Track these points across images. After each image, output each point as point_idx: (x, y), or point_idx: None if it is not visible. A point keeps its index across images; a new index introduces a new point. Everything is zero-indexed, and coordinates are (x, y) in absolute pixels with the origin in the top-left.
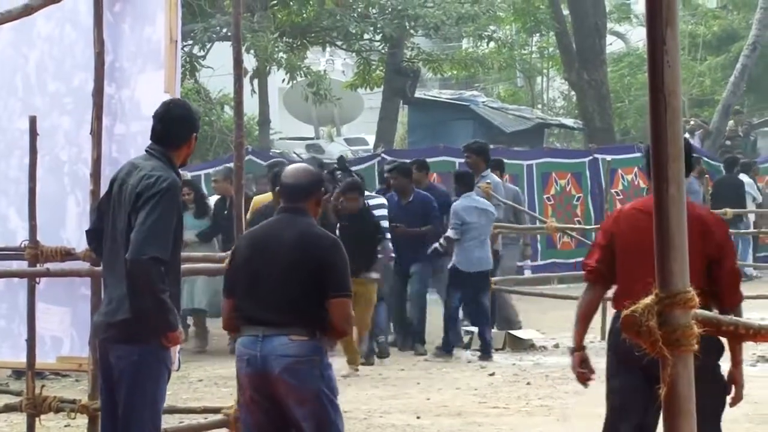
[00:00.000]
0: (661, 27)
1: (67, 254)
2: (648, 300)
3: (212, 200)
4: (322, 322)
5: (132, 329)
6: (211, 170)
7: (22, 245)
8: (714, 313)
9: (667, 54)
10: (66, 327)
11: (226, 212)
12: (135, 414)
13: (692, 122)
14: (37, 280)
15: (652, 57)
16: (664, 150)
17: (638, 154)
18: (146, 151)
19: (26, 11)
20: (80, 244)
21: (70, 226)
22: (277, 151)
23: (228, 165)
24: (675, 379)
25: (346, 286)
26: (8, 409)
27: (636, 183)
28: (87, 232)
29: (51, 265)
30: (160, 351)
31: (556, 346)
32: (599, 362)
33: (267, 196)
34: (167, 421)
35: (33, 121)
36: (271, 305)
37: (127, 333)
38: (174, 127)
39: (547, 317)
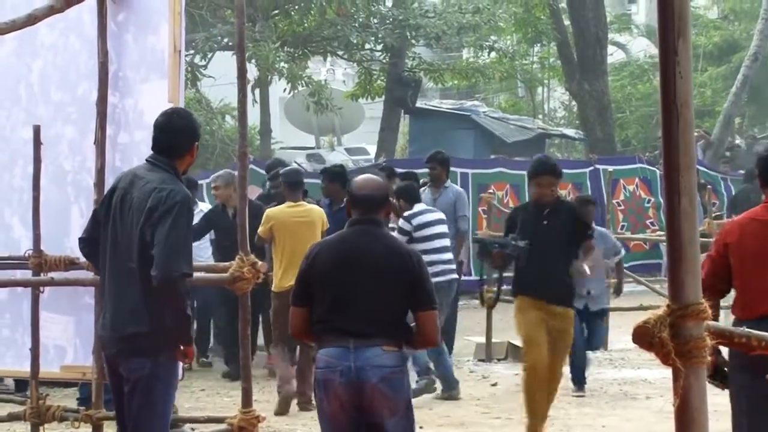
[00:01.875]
0: (674, 38)
1: (70, 263)
2: (660, 311)
3: (203, 207)
4: (406, 334)
5: (144, 342)
6: (210, 178)
7: (26, 254)
8: (725, 325)
9: (679, 65)
10: (70, 336)
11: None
12: (145, 426)
13: (695, 133)
14: (41, 289)
15: (664, 68)
16: (676, 161)
17: (639, 165)
18: (148, 161)
19: (30, 21)
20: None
21: (74, 235)
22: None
23: (228, 170)
24: (687, 391)
25: (434, 299)
26: (12, 418)
27: (637, 194)
28: (80, 239)
29: (55, 275)
30: (171, 364)
31: None
32: (602, 373)
33: (281, 210)
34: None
35: (37, 130)
36: (361, 317)
37: (140, 346)
38: (177, 136)
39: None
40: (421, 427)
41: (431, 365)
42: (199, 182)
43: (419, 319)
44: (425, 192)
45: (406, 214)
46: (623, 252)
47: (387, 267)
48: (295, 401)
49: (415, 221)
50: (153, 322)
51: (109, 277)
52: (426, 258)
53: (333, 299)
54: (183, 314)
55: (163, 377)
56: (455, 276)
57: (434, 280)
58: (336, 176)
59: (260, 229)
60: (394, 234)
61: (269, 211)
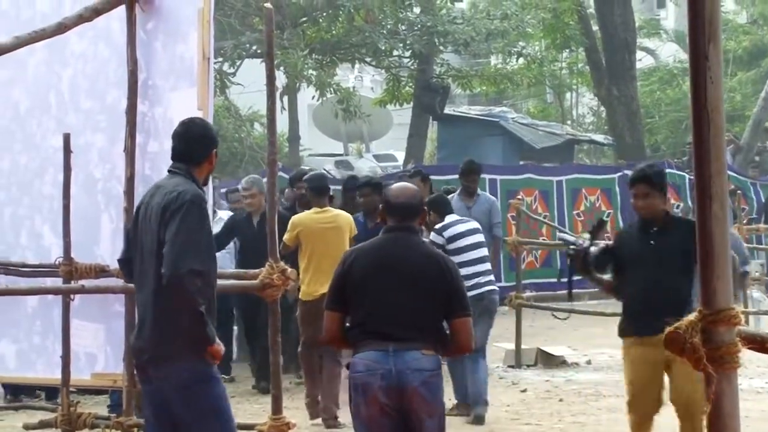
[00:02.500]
0: (704, 43)
1: (101, 271)
2: (692, 317)
3: (223, 215)
4: (442, 338)
5: (171, 348)
6: (242, 184)
7: (57, 262)
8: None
9: (710, 70)
10: (100, 343)
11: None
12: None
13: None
14: (72, 296)
15: (694, 73)
16: (707, 166)
17: (668, 170)
18: (168, 171)
19: (60, 29)
20: (114, 261)
21: (104, 243)
22: (307, 167)
23: (258, 177)
24: (719, 397)
25: (468, 305)
26: (43, 425)
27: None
28: (119, 261)
29: (85, 282)
30: (204, 365)
31: (588, 362)
32: None
33: (308, 216)
34: None
35: (67, 138)
36: (400, 321)
37: (168, 352)
38: (194, 144)
39: (579, 333)
40: None
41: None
42: (221, 190)
43: (453, 326)
44: (456, 201)
45: (437, 226)
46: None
47: (423, 274)
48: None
49: (447, 233)
50: (175, 326)
51: (139, 287)
52: (461, 271)
53: (371, 304)
54: (194, 312)
55: (201, 378)
56: (492, 287)
57: (469, 294)
58: (378, 187)
59: (286, 236)
60: None
61: (295, 218)
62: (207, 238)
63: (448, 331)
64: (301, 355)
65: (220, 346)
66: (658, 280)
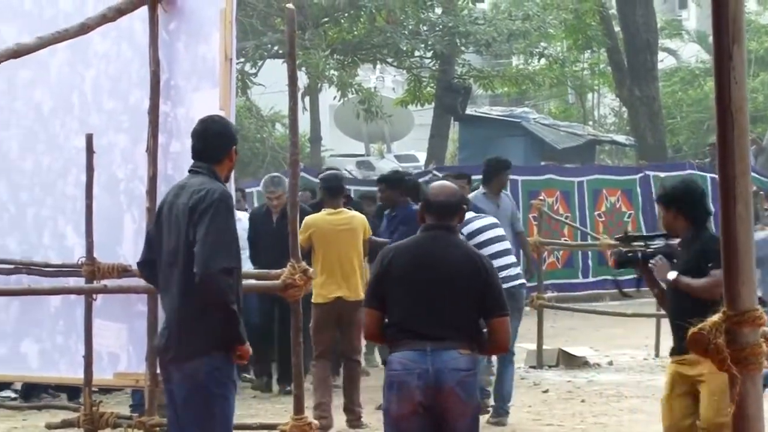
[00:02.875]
0: (728, 43)
1: (123, 271)
2: (716, 318)
3: (242, 216)
4: (478, 338)
5: (193, 345)
6: (269, 186)
7: (80, 262)
8: None
9: (734, 70)
10: (123, 343)
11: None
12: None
13: None
14: (94, 296)
15: (718, 74)
16: (731, 167)
17: (690, 171)
18: (190, 170)
19: (83, 30)
20: (136, 261)
21: (126, 243)
22: (326, 168)
23: (279, 176)
24: (744, 398)
25: (506, 305)
26: (66, 424)
27: None
28: (138, 264)
29: (108, 282)
30: (225, 366)
31: (610, 363)
32: (654, 380)
33: (321, 217)
34: None
35: (90, 139)
36: (438, 320)
37: (189, 349)
38: (214, 142)
39: (600, 334)
40: None
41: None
42: (252, 190)
43: (492, 325)
44: (482, 200)
45: None
46: None
47: (461, 273)
48: (344, 419)
49: (466, 230)
50: (200, 324)
51: (163, 287)
52: None
53: (409, 303)
54: (228, 310)
55: (220, 381)
56: (521, 281)
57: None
58: (395, 183)
59: (299, 238)
60: None
61: (309, 219)
62: (234, 235)
63: (484, 330)
64: (313, 367)
65: (249, 347)
66: (680, 294)
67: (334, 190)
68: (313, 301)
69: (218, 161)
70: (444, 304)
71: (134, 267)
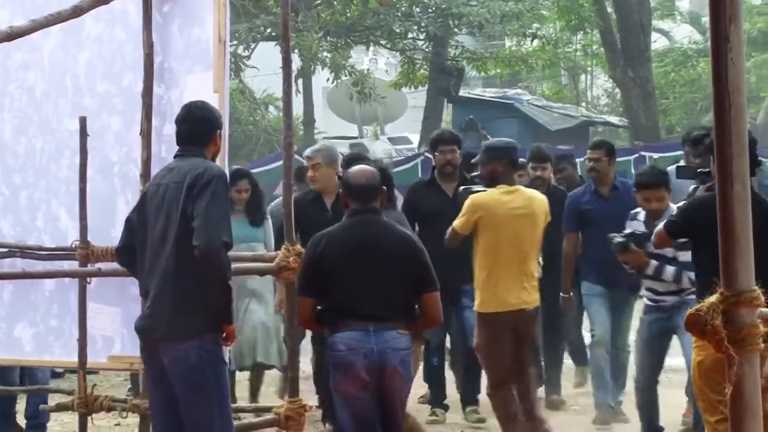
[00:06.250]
0: (725, 23)
1: None
2: (713, 298)
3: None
4: (412, 316)
5: (187, 324)
6: (307, 152)
7: (73, 245)
8: None
9: (731, 51)
10: (117, 327)
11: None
12: (203, 416)
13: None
14: (88, 280)
15: (716, 54)
16: (728, 147)
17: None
18: (176, 154)
19: (75, 12)
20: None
21: (120, 226)
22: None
23: (327, 145)
24: (740, 379)
25: (436, 281)
26: (60, 408)
27: None
28: (117, 249)
29: (102, 265)
30: (214, 347)
31: None
32: None
33: (492, 197)
34: None
35: (83, 121)
36: (378, 301)
37: (182, 329)
38: (199, 127)
39: None
40: None
41: None
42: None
43: (423, 301)
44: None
45: None
46: None
47: (395, 253)
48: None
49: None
50: (193, 304)
51: (149, 269)
52: None
53: (349, 285)
54: (225, 286)
55: (211, 361)
56: None
57: None
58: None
59: (459, 221)
60: None
61: (477, 198)
62: (229, 212)
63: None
64: (491, 397)
65: (235, 328)
66: None
67: (514, 163)
68: (480, 309)
69: (204, 146)
70: (382, 284)
71: None
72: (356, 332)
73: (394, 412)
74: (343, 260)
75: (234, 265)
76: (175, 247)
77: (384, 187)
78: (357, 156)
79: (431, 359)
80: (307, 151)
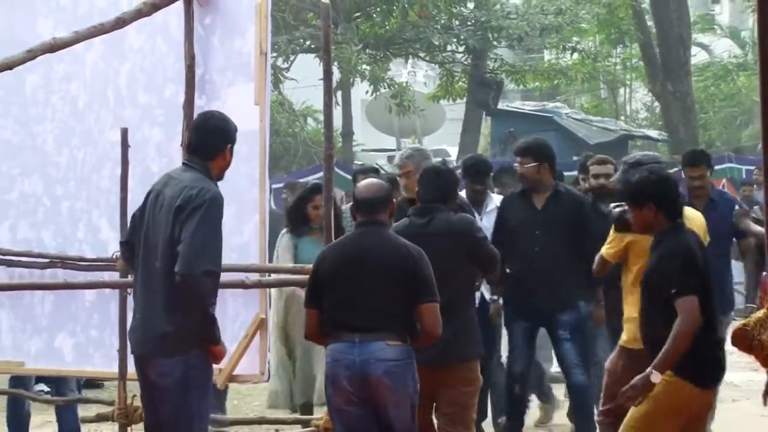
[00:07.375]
0: None
1: None
2: (760, 314)
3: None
4: (411, 328)
5: (174, 342)
6: (396, 161)
7: (114, 256)
8: None
9: None
10: None
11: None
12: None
13: None
14: (129, 291)
15: (763, 66)
16: None
17: (728, 165)
18: (183, 163)
19: (118, 24)
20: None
21: None
22: (360, 162)
23: (418, 148)
24: None
25: (435, 291)
26: (100, 418)
27: None
28: (121, 243)
29: None
30: (202, 365)
31: None
32: None
33: None
34: None
35: (124, 133)
36: (366, 313)
37: (169, 346)
38: (209, 137)
39: None
40: None
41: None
42: (274, 186)
43: (419, 311)
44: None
45: None
46: None
47: (388, 264)
48: None
49: None
50: (181, 321)
51: (141, 277)
52: None
53: (339, 297)
54: (205, 313)
55: (196, 379)
56: None
57: None
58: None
59: (608, 248)
60: None
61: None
62: (220, 239)
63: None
64: (601, 425)
65: (224, 348)
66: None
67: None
68: (630, 346)
69: (211, 158)
70: (372, 296)
71: None
72: (342, 343)
73: (389, 426)
74: (335, 272)
75: (274, 277)
76: (162, 267)
77: (394, 200)
78: (366, 169)
79: (512, 386)
80: (396, 160)
